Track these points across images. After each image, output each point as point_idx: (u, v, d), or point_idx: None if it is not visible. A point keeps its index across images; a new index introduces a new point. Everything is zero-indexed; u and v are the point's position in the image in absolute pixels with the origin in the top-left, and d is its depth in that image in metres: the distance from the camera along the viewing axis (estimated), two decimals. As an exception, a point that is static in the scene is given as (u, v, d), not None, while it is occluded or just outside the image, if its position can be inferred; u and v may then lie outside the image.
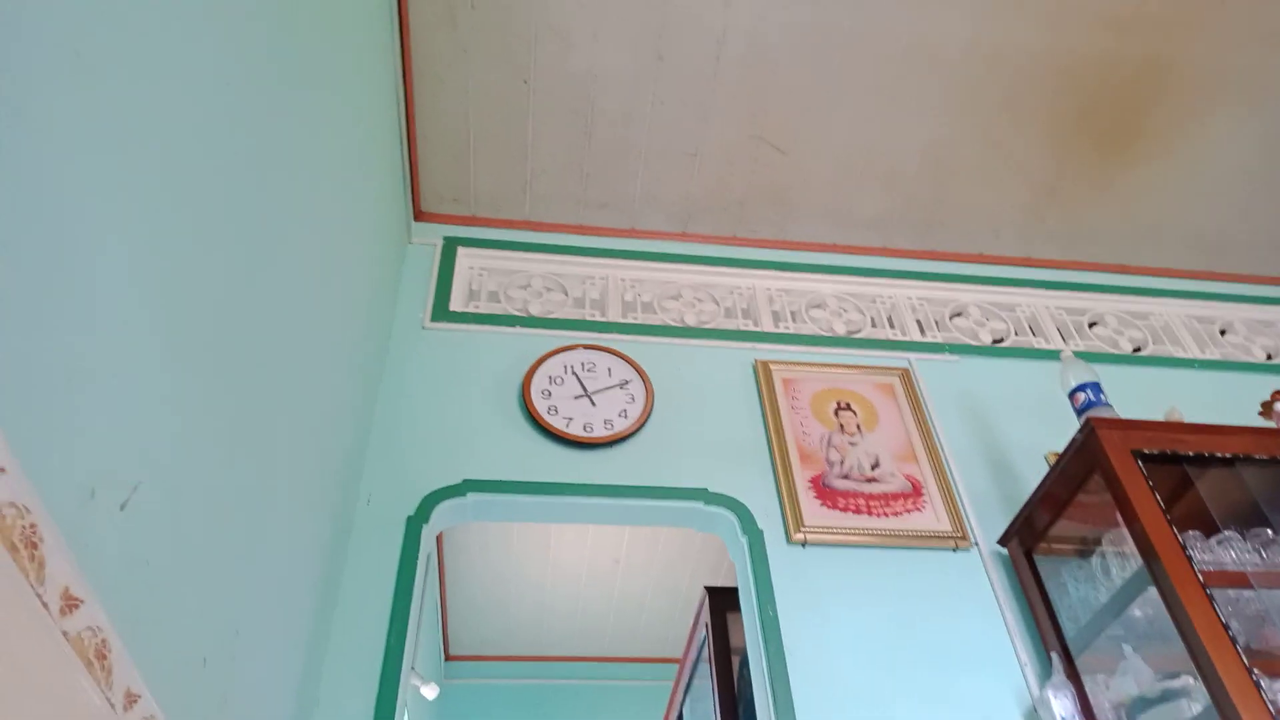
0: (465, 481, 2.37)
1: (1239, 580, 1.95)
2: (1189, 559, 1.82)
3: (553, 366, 2.67)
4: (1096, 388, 2.26)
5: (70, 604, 0.90)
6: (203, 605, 1.26)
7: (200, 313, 1.21)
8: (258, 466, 1.48)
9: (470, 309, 2.91)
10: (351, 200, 2.17)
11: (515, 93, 2.88)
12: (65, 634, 0.89)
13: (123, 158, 0.99)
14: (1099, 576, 2.09)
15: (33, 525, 0.83)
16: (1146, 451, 2.04)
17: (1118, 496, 1.97)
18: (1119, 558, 2.05)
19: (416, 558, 2.22)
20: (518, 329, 2.82)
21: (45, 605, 0.86)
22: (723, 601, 2.84)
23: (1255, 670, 1.66)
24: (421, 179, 3.08)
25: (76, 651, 0.92)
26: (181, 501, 1.17)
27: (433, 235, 3.12)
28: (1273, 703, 1.62)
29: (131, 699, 1.04)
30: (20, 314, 0.82)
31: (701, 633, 2.91)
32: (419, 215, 3.16)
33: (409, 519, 2.28)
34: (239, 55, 1.33)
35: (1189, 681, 1.80)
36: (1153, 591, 1.86)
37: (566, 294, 3.03)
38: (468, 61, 2.79)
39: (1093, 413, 2.19)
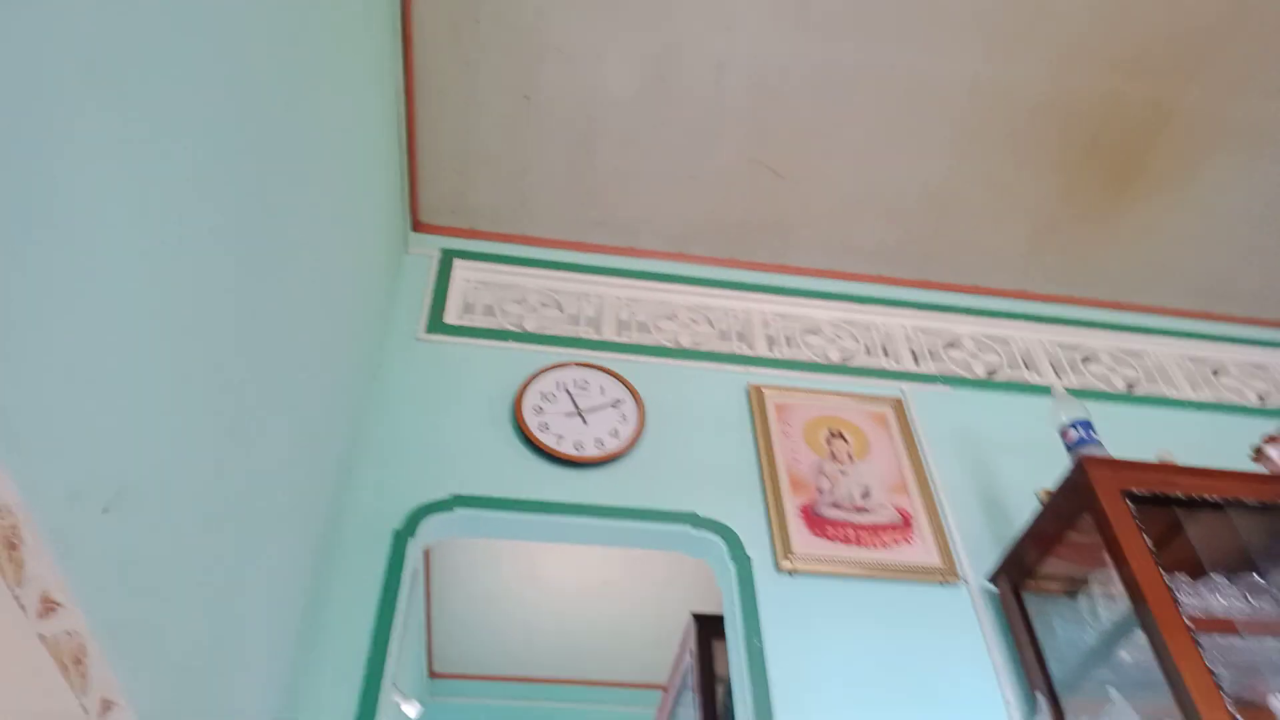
0: (454, 497, 2.36)
1: (1227, 627, 1.94)
2: (1177, 603, 1.81)
3: (546, 383, 2.66)
4: (1088, 425, 2.26)
5: (48, 607, 0.89)
6: (185, 613, 1.25)
7: (192, 317, 1.20)
8: (247, 473, 1.47)
9: (465, 322, 2.90)
10: (350, 209, 2.17)
11: (517, 109, 2.89)
12: (42, 636, 0.88)
13: (119, 161, 0.99)
14: (1087, 617, 2.08)
15: (13, 526, 0.82)
16: (1137, 492, 2.04)
17: (1107, 537, 1.96)
18: (1107, 599, 2.04)
19: (402, 572, 2.19)
20: (512, 344, 2.82)
21: (22, 607, 0.84)
22: (709, 629, 2.81)
23: (1243, 721, 1.65)
24: (421, 190, 3.08)
25: (52, 655, 0.90)
26: (167, 507, 1.16)
27: (430, 247, 3.12)
28: (1259, 753, 1.61)
29: (107, 705, 1.02)
30: (9, 315, 0.81)
31: (687, 659, 2.88)
32: (417, 226, 3.16)
33: (396, 533, 2.26)
34: (241, 62, 1.33)
35: (1175, 728, 1.79)
36: (1140, 635, 1.85)
37: (562, 310, 3.03)
38: (471, 76, 2.80)
39: (1084, 450, 2.19)
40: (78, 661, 0.95)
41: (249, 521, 1.50)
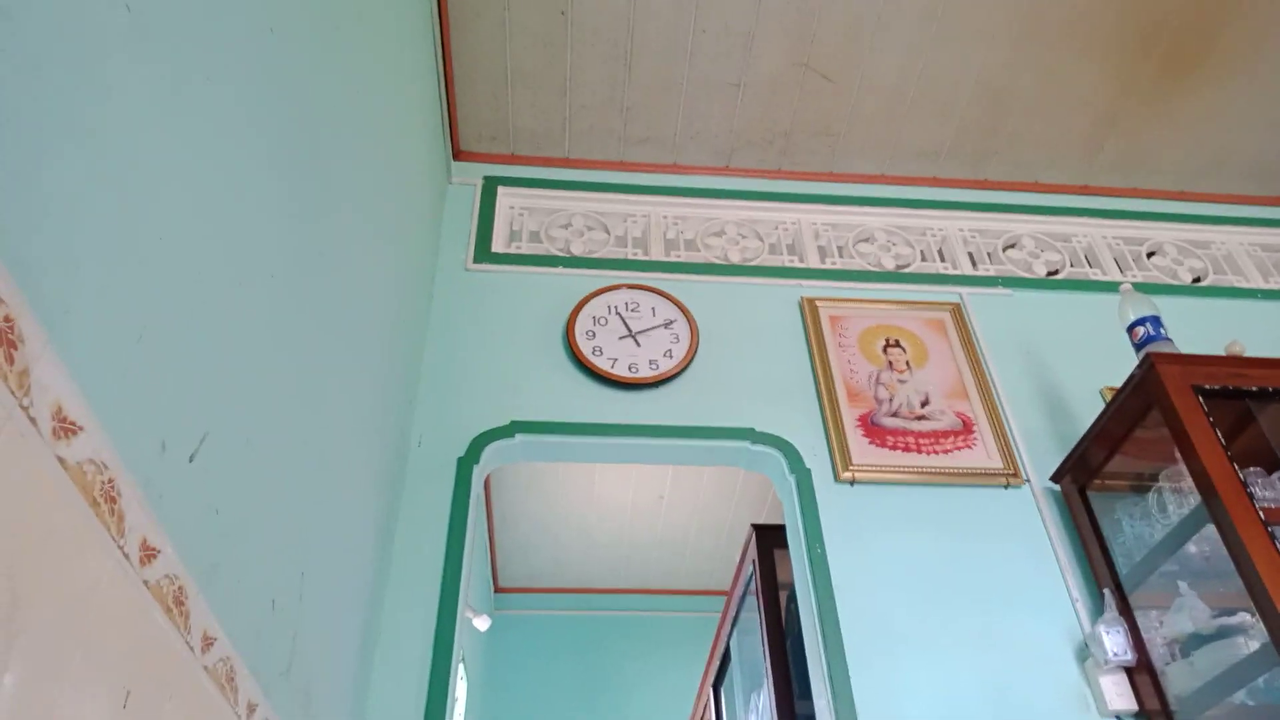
0: (513, 423, 2.40)
1: (1301, 518, 1.91)
2: (1250, 496, 1.79)
3: (596, 307, 2.66)
4: (1156, 321, 2.20)
5: (148, 554, 0.93)
6: (270, 549, 1.30)
7: (257, 264, 1.22)
8: (318, 411, 1.51)
9: (512, 250, 2.90)
10: (393, 142, 2.16)
11: (553, 25, 2.81)
12: (146, 582, 0.92)
13: (181, 116, 0.99)
14: (1155, 513, 2.06)
15: (110, 480, 0.85)
16: (1207, 387, 1.99)
17: (1177, 433, 1.93)
18: (1176, 494, 2.02)
19: (469, 497, 2.26)
20: (560, 269, 2.81)
21: (126, 556, 0.88)
22: (770, 539, 2.85)
23: (1316, 609, 1.63)
24: (460, 117, 3.04)
25: (156, 599, 0.95)
26: (246, 450, 1.20)
27: (473, 175, 3.10)
28: (1335, 641, 1.60)
29: (208, 641, 1.08)
30: (93, 275, 0.82)
31: (749, 569, 2.94)
32: (458, 154, 3.14)
33: (459, 460, 2.32)
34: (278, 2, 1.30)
35: (1246, 619, 1.79)
36: (1211, 529, 1.83)
37: (608, 233, 3.00)
38: (504, -7, 2.72)
39: (1152, 347, 2.14)
40: (179, 603, 1.00)
41: (324, 458, 1.55)
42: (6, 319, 0.72)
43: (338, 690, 1.68)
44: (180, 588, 1.00)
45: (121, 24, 0.87)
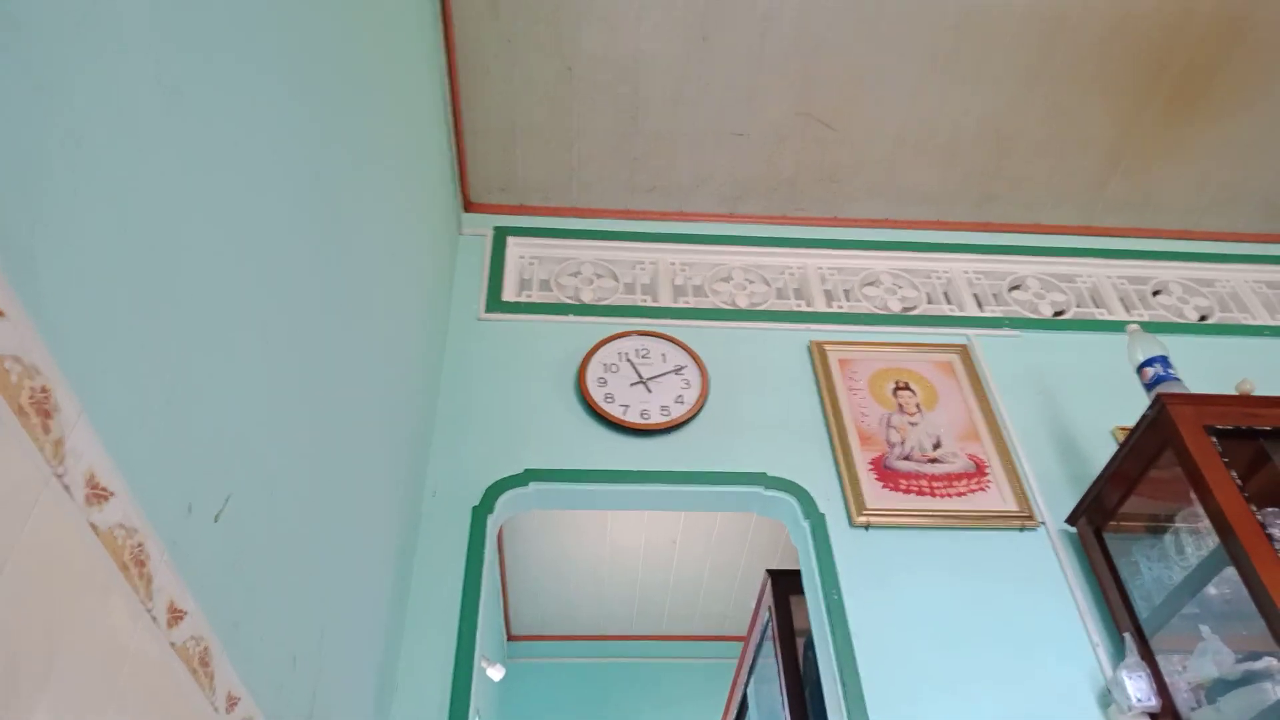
0: (527, 471, 2.41)
1: (1321, 557, 1.89)
2: (1269, 537, 1.78)
3: (607, 354, 2.69)
4: (1165, 361, 2.21)
5: (175, 616, 0.94)
6: (292, 607, 1.30)
7: (281, 317, 1.24)
8: (337, 468, 1.52)
9: (523, 298, 2.93)
10: (405, 196, 2.20)
11: (560, 80, 2.87)
12: (173, 644, 0.93)
13: (208, 181, 1.02)
14: (1173, 555, 2.05)
15: (140, 544, 0.87)
16: (1220, 427, 1.99)
17: (1191, 474, 1.92)
18: (1194, 536, 2.01)
19: (484, 546, 2.26)
20: (571, 317, 2.84)
21: (154, 619, 0.89)
22: (785, 584, 2.84)
23: (1342, 651, 1.62)
24: (470, 170, 3.10)
25: (183, 660, 0.96)
26: (268, 509, 1.21)
27: (483, 226, 3.14)
28: (1361, 684, 1.58)
29: (233, 701, 1.08)
30: (124, 342, 0.85)
31: (765, 615, 2.92)
32: (469, 206, 3.19)
33: (474, 509, 2.32)
34: (295, 58, 1.34)
35: (1273, 663, 1.77)
36: (1231, 570, 1.82)
37: (617, 280, 3.03)
38: (512, 51, 2.79)
39: (1163, 388, 2.14)
40: (204, 664, 1.00)
41: (343, 512, 1.56)
42: (44, 389, 0.74)
43: (355, 746, 1.67)
44: (205, 648, 1.01)
45: (153, 94, 0.91)
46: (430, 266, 2.52)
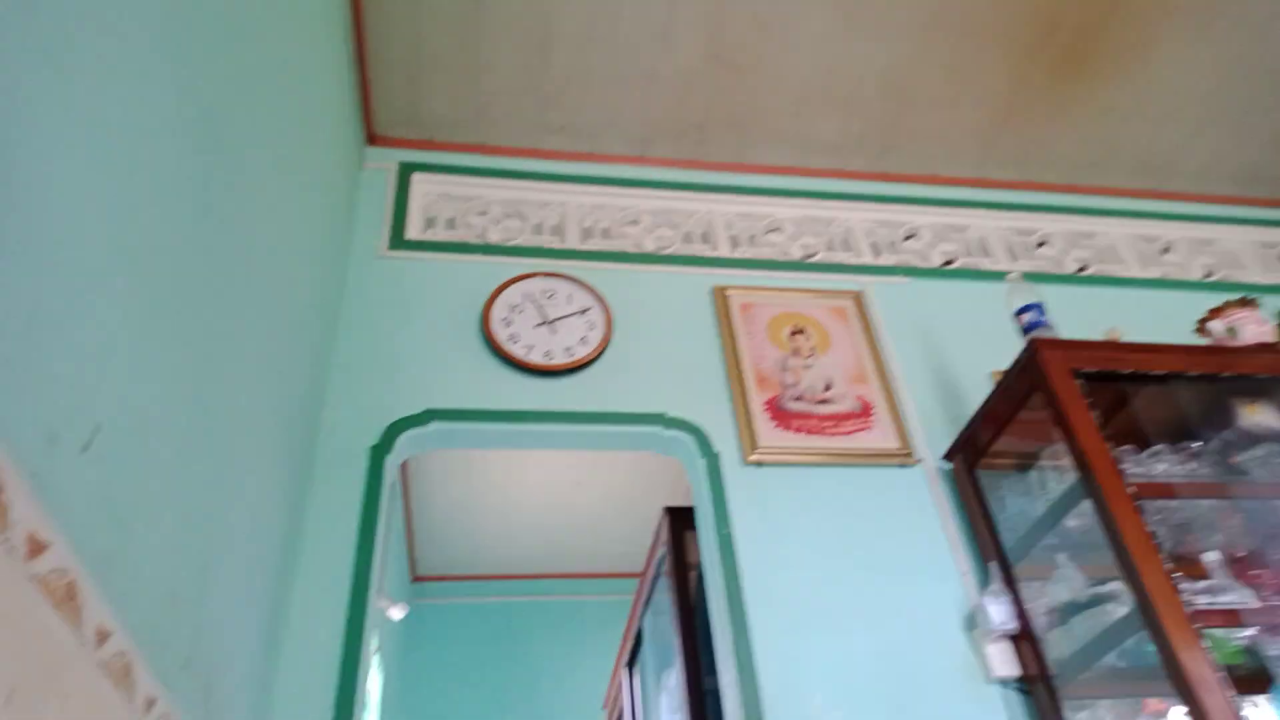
0: (428, 411, 2.40)
1: (1166, 491, 2.06)
2: (1121, 473, 1.92)
3: (512, 295, 2.68)
4: (1040, 309, 2.33)
5: (36, 548, 0.92)
6: (169, 542, 1.29)
7: (155, 245, 1.20)
8: (220, 400, 1.49)
9: (428, 236, 2.88)
10: (302, 124, 2.12)
11: (469, 11, 2.79)
12: (33, 576, 0.91)
13: (74, 84, 0.97)
14: (1036, 490, 2.19)
15: (-5, 473, 0.84)
16: (1086, 370, 2.12)
17: (1057, 414, 2.05)
18: (1056, 472, 2.15)
19: (381, 486, 2.25)
20: (476, 256, 2.81)
21: (12, 549, 0.87)
22: (681, 521, 2.93)
23: (1177, 575, 1.77)
24: (374, 101, 3.00)
25: (44, 592, 0.94)
26: (144, 440, 1.18)
27: (387, 160, 3.06)
28: (1189, 603, 1.74)
29: (103, 635, 1.07)
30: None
31: (661, 550, 3.01)
32: (372, 139, 3.10)
33: (372, 448, 2.31)
34: (174, -17, 1.28)
35: (1117, 586, 1.92)
36: (1087, 504, 1.96)
37: (525, 220, 3.01)
38: (417, -24, 2.69)
39: (1037, 333, 2.27)
40: (70, 598, 0.99)
41: (226, 447, 1.53)
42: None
43: (242, 683, 1.67)
44: (71, 582, 0.99)
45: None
46: (327, 200, 2.44)
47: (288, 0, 1.96)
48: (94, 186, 1.04)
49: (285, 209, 1.95)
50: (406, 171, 3.04)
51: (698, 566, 2.70)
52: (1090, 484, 1.93)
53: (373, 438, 2.33)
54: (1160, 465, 2.17)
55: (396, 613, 4.08)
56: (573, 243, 2.95)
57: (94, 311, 1.04)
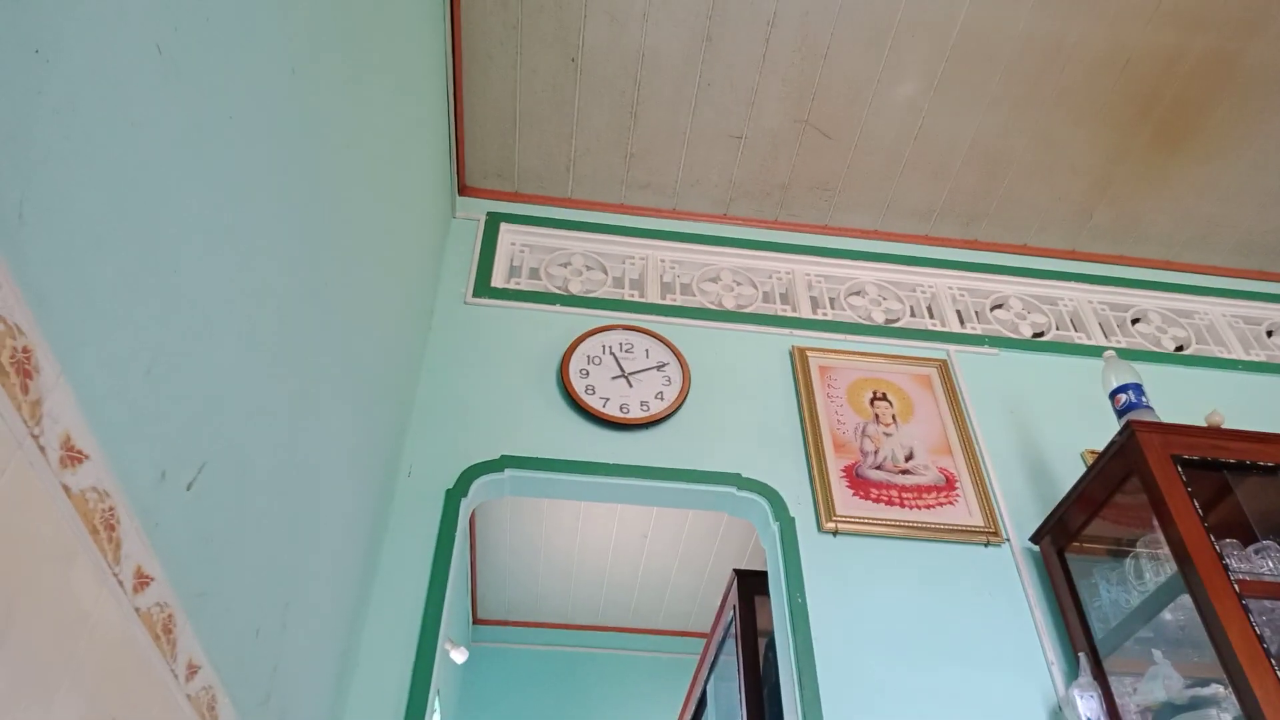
0: (503, 457, 2.42)
1: (1275, 591, 1.93)
2: (1225, 568, 1.82)
3: (591, 346, 2.70)
4: (1139, 389, 2.24)
5: (142, 582, 0.95)
6: (257, 579, 1.31)
7: (266, 294, 1.25)
8: (313, 441, 1.53)
9: (511, 285, 2.94)
10: (400, 174, 2.20)
11: (563, 71, 2.88)
12: (137, 610, 0.94)
13: (202, 150, 1.02)
14: (1131, 579, 2.09)
15: (111, 508, 0.88)
16: (1186, 457, 2.02)
17: (1155, 501, 1.96)
18: (1153, 562, 2.04)
19: (455, 529, 2.27)
20: (557, 307, 2.85)
21: (121, 583, 0.90)
22: (751, 585, 2.87)
23: (1287, 683, 1.66)
24: (467, 154, 3.10)
25: (145, 626, 0.96)
26: (242, 479, 1.22)
27: (476, 210, 3.15)
28: (1303, 716, 1.62)
29: (193, 669, 1.09)
30: (108, 309, 0.85)
31: (729, 614, 2.95)
32: (463, 190, 3.19)
33: (448, 492, 2.33)
34: (295, 33, 1.35)
35: (1219, 690, 1.81)
36: (1186, 598, 1.86)
37: (606, 273, 3.05)
38: (517, 39, 2.79)
39: (1133, 415, 2.18)
40: (167, 631, 1.01)
41: (315, 487, 1.57)
42: (25, 350, 0.74)
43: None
44: (169, 615, 1.02)
45: (152, 64, 0.91)
46: (420, 247, 2.52)
47: (394, 58, 2.05)
48: (215, 234, 1.09)
49: (380, 256, 2.01)
50: (494, 221, 3.11)
51: (767, 634, 2.63)
52: (1191, 577, 1.83)
53: (448, 481, 2.36)
54: (1268, 563, 2.04)
55: (459, 656, 4.08)
56: (653, 297, 2.97)
57: (207, 355, 1.08)
